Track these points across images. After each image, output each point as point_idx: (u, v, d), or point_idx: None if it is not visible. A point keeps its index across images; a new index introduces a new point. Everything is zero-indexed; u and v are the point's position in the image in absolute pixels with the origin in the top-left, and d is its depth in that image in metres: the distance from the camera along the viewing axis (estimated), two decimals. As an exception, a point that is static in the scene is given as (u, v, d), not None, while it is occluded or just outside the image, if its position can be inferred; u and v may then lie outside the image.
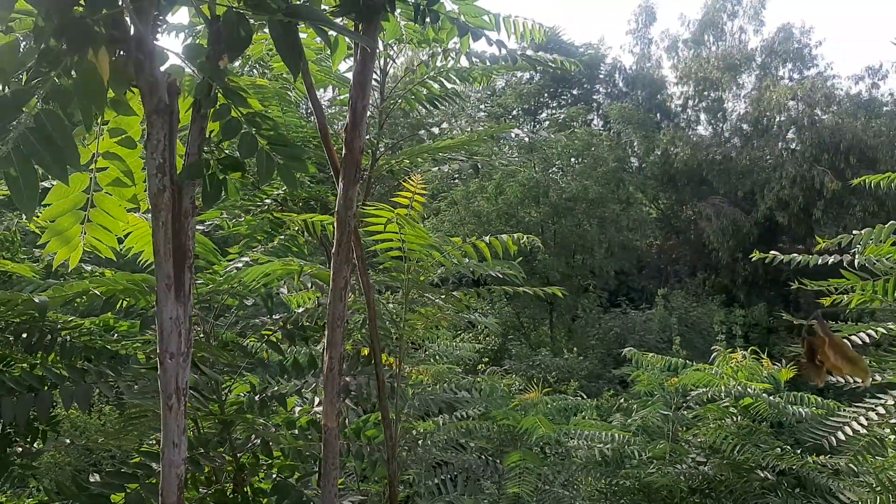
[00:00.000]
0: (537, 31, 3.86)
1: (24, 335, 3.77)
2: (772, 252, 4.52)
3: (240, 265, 3.81)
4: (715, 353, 7.18)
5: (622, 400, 7.41)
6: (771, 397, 6.33)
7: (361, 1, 2.23)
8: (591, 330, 22.53)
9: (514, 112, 28.59)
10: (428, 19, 2.43)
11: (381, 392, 2.75)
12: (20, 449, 3.89)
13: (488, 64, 3.93)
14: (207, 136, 1.63)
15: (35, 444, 3.88)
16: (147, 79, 1.55)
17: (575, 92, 29.96)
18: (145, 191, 1.57)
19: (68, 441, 3.96)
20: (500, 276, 4.05)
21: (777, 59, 28.10)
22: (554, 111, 29.38)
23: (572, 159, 23.51)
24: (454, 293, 3.40)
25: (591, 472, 6.44)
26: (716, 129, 28.76)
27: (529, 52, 3.87)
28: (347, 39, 2.56)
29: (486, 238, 3.21)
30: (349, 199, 2.51)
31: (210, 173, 1.61)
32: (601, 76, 30.45)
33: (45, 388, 3.43)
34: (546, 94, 29.26)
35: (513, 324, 22.31)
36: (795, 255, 4.45)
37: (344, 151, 2.45)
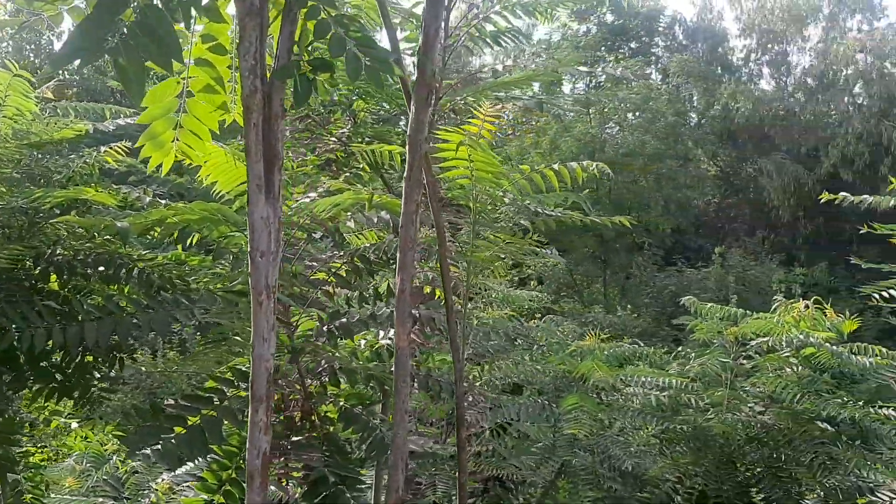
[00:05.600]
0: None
1: (103, 266, 3.93)
2: (842, 193, 4.43)
3: (308, 199, 3.90)
4: (776, 304, 7.06)
5: (679, 348, 7.38)
6: (834, 347, 6.21)
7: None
8: (644, 288, 22.35)
9: (584, 67, 28.10)
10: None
11: (449, 314, 2.81)
12: (99, 375, 4.09)
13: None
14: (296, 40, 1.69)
15: (113, 371, 4.08)
16: (239, -18, 1.60)
17: (633, 45, 29.33)
18: (230, 93, 1.63)
19: (143, 369, 4.14)
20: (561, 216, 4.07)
21: (845, 10, 27.03)
22: (610, 64, 28.85)
23: (629, 114, 23.14)
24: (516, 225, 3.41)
25: (647, 419, 6.44)
26: (779, 83, 27.93)
27: None
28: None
29: (555, 166, 3.21)
30: (421, 122, 2.54)
31: (301, 73, 1.67)
32: (660, 29, 29.73)
33: (125, 314, 3.60)
34: (603, 48, 28.69)
35: (566, 281, 22.26)
36: (866, 196, 4.35)
37: (416, 74, 2.47)
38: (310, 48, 1.96)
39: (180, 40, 1.82)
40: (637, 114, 23.01)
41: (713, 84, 26.33)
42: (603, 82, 24.09)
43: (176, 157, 2.11)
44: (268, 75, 1.69)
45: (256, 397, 1.94)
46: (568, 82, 28.13)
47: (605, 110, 22.27)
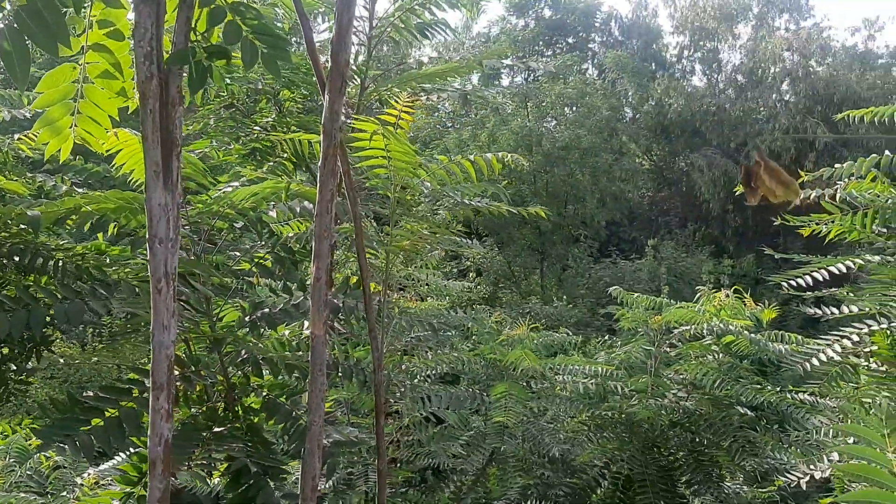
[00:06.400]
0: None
1: (18, 257, 3.84)
2: (755, 185, 4.56)
3: (229, 189, 3.87)
4: (699, 293, 7.26)
5: (606, 337, 7.55)
6: (753, 335, 6.43)
7: None
8: (580, 280, 22.74)
9: (508, 60, 28.34)
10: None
11: (367, 303, 2.83)
12: (15, 367, 3.99)
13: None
14: (193, 26, 1.68)
15: (29, 363, 3.98)
16: (134, -33, 1.59)
17: (570, 40, 29.72)
18: (133, 79, 1.62)
19: (62, 360, 4.05)
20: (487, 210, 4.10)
21: (774, 10, 27.89)
22: (549, 59, 29.19)
23: (566, 108, 23.45)
24: (439, 212, 3.44)
25: (575, 406, 6.58)
26: (710, 79, 28.65)
27: None
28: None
29: (471, 157, 3.26)
30: (335, 111, 2.55)
31: (196, 60, 1.67)
32: (597, 24, 30.17)
33: (41, 305, 3.52)
34: (541, 42, 29.00)
35: (504, 273, 22.49)
36: (778, 188, 4.49)
37: (330, 64, 2.49)
38: (217, 35, 1.96)
39: (76, 26, 1.80)
40: (574, 108, 23.34)
41: (647, 80, 26.87)
42: (540, 76, 24.35)
43: (75, 143, 2.09)
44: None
45: (157, 385, 1.93)
46: (507, 76, 28.38)
47: (543, 104, 22.53)
